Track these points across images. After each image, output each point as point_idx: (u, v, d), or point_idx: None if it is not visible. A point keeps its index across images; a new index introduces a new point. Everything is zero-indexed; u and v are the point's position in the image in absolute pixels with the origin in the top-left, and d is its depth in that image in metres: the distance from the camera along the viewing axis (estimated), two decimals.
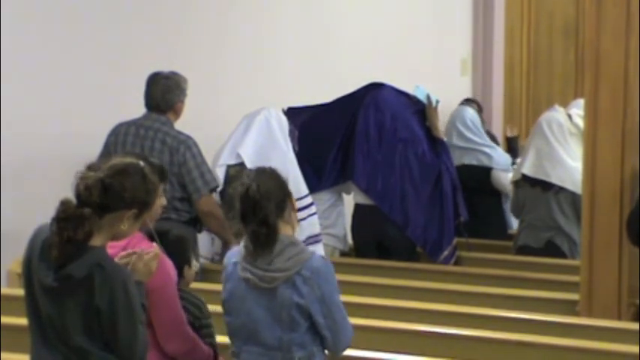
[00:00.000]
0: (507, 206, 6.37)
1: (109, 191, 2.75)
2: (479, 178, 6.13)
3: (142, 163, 2.88)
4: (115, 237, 2.86)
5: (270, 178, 3.12)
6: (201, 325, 3.46)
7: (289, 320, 3.06)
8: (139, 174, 2.83)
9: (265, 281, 3.07)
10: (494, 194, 6.32)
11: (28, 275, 2.83)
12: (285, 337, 3.07)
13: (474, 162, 6.23)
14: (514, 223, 6.43)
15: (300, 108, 5.99)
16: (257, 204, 3.04)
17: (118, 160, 2.86)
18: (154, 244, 3.09)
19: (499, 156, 6.33)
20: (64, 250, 2.71)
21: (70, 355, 2.77)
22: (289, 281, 3.05)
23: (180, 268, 3.39)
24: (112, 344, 2.75)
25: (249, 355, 3.13)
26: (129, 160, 2.88)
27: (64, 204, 2.72)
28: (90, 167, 2.83)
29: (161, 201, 3.17)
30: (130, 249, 3.08)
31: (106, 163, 2.83)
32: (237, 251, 3.21)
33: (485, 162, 6.27)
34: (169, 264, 3.27)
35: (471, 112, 6.42)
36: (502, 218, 6.42)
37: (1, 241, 4.82)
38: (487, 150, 6.30)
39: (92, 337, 2.74)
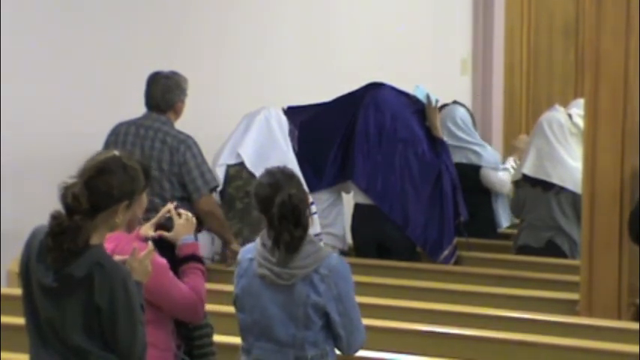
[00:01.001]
0: (497, 205, 6.37)
1: (96, 193, 2.75)
2: (468, 176, 6.12)
3: (117, 153, 2.89)
4: (111, 230, 2.88)
5: (291, 179, 3.15)
6: (198, 326, 3.46)
7: (304, 318, 3.07)
8: (119, 166, 2.83)
9: (283, 278, 3.08)
10: (484, 192, 6.31)
11: (26, 276, 2.83)
12: (299, 335, 3.08)
13: (464, 160, 6.22)
14: (503, 222, 6.42)
15: (300, 107, 5.98)
16: (296, 208, 3.06)
17: (95, 159, 2.85)
18: (149, 242, 3.08)
19: (489, 154, 6.32)
20: (63, 257, 2.71)
21: (68, 356, 2.77)
22: (307, 279, 3.07)
23: (175, 268, 3.38)
24: (111, 344, 2.75)
25: (261, 351, 3.14)
26: (105, 155, 2.87)
27: (57, 218, 2.71)
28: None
29: (145, 200, 3.14)
30: (119, 251, 3.08)
31: (84, 165, 2.82)
32: (252, 247, 3.21)
33: (474, 160, 6.26)
34: (158, 258, 3.24)
35: (461, 111, 6.41)
36: (492, 217, 6.40)
37: (1, 241, 4.82)
38: (477, 148, 6.29)
39: (92, 336, 2.74)
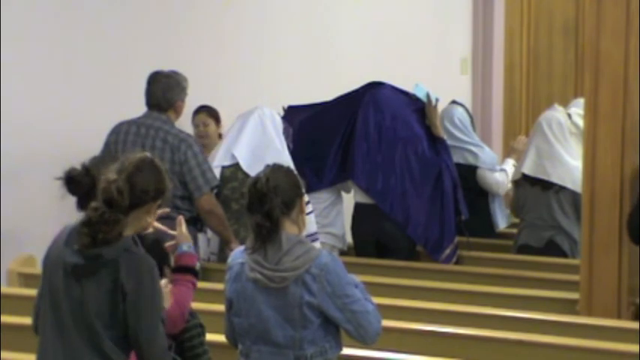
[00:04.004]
0: (494, 205, 6.36)
1: (135, 190, 2.80)
2: (465, 176, 6.10)
3: (147, 154, 2.95)
4: (139, 229, 2.91)
5: (284, 175, 3.14)
6: (187, 327, 3.45)
7: (301, 318, 3.07)
8: (153, 166, 2.89)
9: (275, 281, 3.08)
10: (481, 193, 6.30)
11: (51, 264, 2.84)
12: (297, 335, 3.08)
13: (461, 160, 6.20)
14: (501, 223, 6.41)
15: (301, 106, 5.99)
16: (264, 196, 3.06)
17: (128, 158, 2.89)
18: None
19: (486, 155, 6.30)
20: (94, 244, 2.75)
21: (84, 349, 2.77)
22: (299, 280, 3.06)
23: (160, 268, 3.35)
24: (132, 336, 2.76)
25: (259, 354, 3.13)
26: (139, 155, 2.91)
27: (97, 209, 2.75)
28: (87, 167, 2.86)
29: None
30: None
31: (118, 163, 2.85)
32: (242, 251, 3.21)
33: (471, 160, 6.24)
34: None
35: (459, 111, 6.39)
36: (489, 217, 6.39)
37: (1, 241, 4.82)
38: (474, 149, 6.27)
39: (112, 325, 2.76)
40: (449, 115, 6.32)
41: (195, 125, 5.88)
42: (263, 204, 3.07)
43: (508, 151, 6.89)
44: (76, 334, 2.78)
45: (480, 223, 6.24)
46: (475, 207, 6.14)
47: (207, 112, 5.89)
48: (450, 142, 6.14)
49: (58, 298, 2.81)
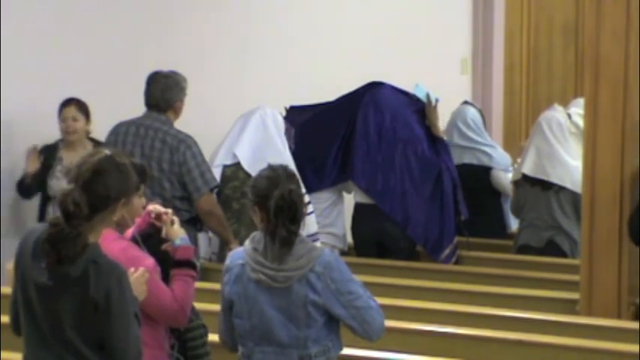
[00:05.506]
0: (507, 206, 6.36)
1: (94, 197, 2.73)
2: (478, 177, 6.11)
3: (107, 152, 2.86)
4: (107, 226, 2.86)
5: (297, 181, 3.17)
6: (191, 327, 3.44)
7: (305, 317, 3.07)
8: (113, 166, 2.81)
9: (279, 281, 3.08)
10: (494, 194, 6.31)
11: (21, 276, 2.81)
12: (302, 334, 3.08)
13: (474, 161, 6.21)
14: (514, 224, 6.41)
15: (302, 107, 5.99)
16: (293, 204, 3.06)
17: (87, 162, 2.80)
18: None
19: (499, 156, 6.31)
20: (60, 261, 2.70)
21: (65, 355, 2.76)
22: (303, 278, 3.06)
23: (165, 267, 3.33)
24: (105, 342, 2.73)
25: (263, 355, 3.13)
26: (97, 156, 2.82)
27: (56, 225, 2.68)
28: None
29: (141, 201, 3.07)
30: (104, 249, 3.04)
31: (77, 169, 2.78)
32: (241, 252, 3.20)
33: (485, 161, 6.25)
34: (145, 260, 3.19)
35: (472, 111, 6.40)
36: (501, 218, 6.40)
37: (1, 241, 4.82)
38: (487, 149, 6.28)
39: (86, 336, 2.73)
40: (461, 116, 6.33)
41: (63, 119, 5.07)
42: (294, 213, 3.07)
43: (519, 152, 6.88)
44: (58, 346, 2.75)
45: (492, 224, 6.25)
46: (488, 208, 6.15)
47: (78, 105, 5.10)
48: (462, 142, 6.15)
49: (34, 313, 2.78)
